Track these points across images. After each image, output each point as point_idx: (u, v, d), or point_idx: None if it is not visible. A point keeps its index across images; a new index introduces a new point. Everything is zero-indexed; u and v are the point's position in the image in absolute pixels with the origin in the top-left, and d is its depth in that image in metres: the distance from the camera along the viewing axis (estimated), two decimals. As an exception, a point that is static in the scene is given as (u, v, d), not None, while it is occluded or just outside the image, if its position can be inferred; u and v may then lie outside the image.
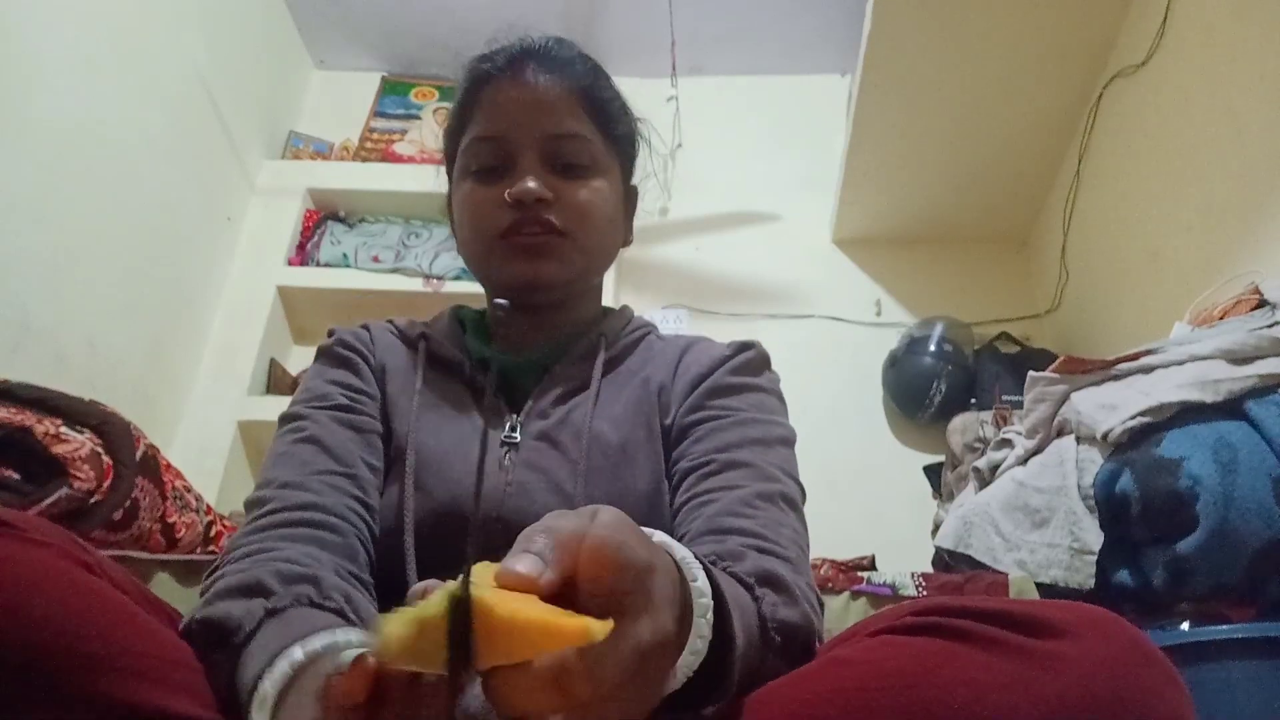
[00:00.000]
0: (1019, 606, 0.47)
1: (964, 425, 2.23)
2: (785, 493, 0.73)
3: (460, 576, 0.36)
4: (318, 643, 0.53)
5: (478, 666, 0.35)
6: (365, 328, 0.90)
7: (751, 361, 0.86)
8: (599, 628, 0.35)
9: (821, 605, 0.67)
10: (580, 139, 0.86)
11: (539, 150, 0.84)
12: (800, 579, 0.64)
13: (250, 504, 0.73)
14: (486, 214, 0.84)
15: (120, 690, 0.50)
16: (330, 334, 0.89)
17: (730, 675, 0.49)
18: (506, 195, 0.82)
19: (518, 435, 0.80)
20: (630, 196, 0.96)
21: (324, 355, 0.87)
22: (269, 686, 0.51)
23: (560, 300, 0.88)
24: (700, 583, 0.46)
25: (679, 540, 0.53)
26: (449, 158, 0.94)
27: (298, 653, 0.52)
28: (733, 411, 0.80)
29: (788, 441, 0.81)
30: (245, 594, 0.60)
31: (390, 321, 0.92)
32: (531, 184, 0.81)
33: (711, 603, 0.46)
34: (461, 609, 0.34)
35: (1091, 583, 1.33)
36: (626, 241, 0.96)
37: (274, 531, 0.68)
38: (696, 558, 0.47)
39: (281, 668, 0.51)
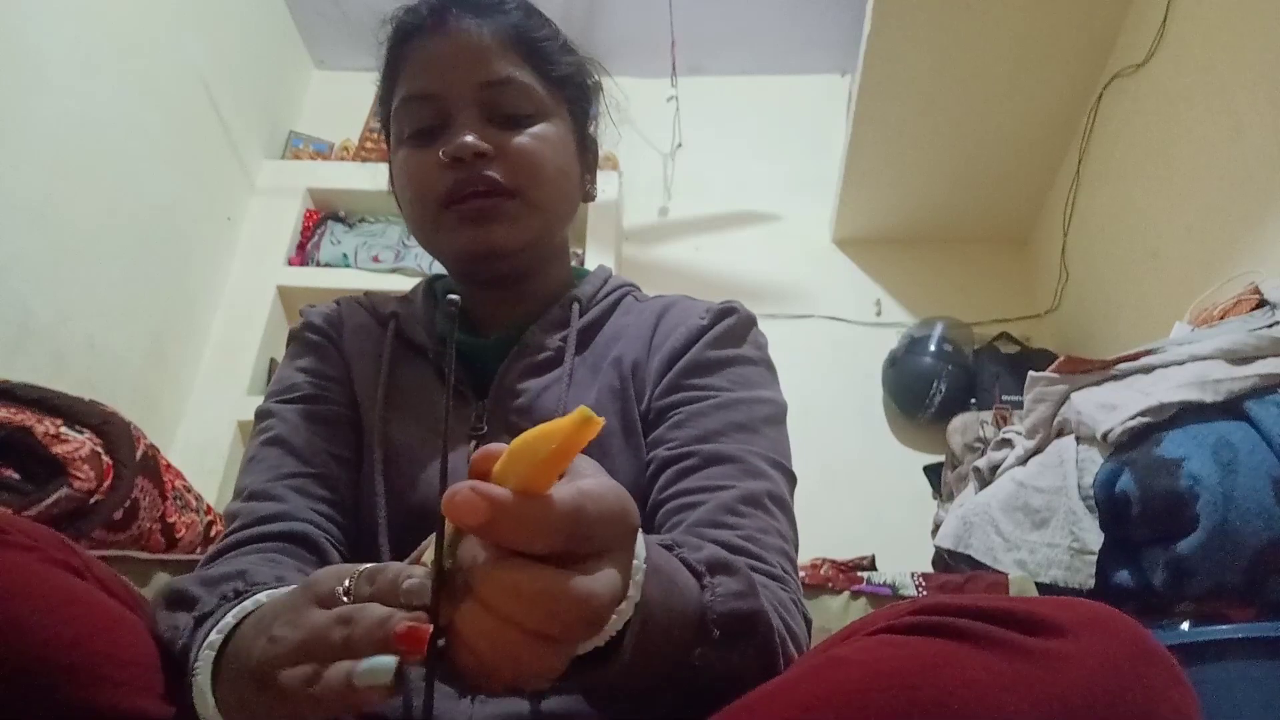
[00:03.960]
0: (1019, 605, 0.46)
1: (964, 425, 2.23)
2: (772, 491, 0.69)
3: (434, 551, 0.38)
4: (228, 619, 0.51)
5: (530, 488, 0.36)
6: (337, 303, 0.87)
7: (733, 329, 0.80)
8: (590, 412, 0.36)
9: (808, 620, 0.64)
10: (517, 84, 0.78)
11: (475, 103, 0.77)
12: (775, 584, 0.61)
13: (225, 517, 0.72)
14: (425, 179, 0.77)
15: (101, 699, 0.49)
16: (301, 315, 0.85)
17: (624, 649, 0.44)
18: (441, 154, 0.75)
19: (485, 427, 0.75)
20: (588, 146, 0.88)
21: (294, 340, 0.84)
22: (201, 680, 0.49)
23: (523, 267, 0.81)
24: (638, 559, 0.43)
25: None
26: (385, 126, 0.85)
27: (215, 638, 0.50)
28: (713, 392, 0.74)
29: (774, 419, 0.75)
30: (171, 606, 0.57)
31: (366, 294, 0.87)
32: (468, 138, 0.74)
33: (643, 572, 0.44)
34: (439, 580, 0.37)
35: (1091, 583, 1.33)
36: (589, 196, 0.88)
37: (241, 549, 0.67)
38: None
39: (207, 656, 0.50)
